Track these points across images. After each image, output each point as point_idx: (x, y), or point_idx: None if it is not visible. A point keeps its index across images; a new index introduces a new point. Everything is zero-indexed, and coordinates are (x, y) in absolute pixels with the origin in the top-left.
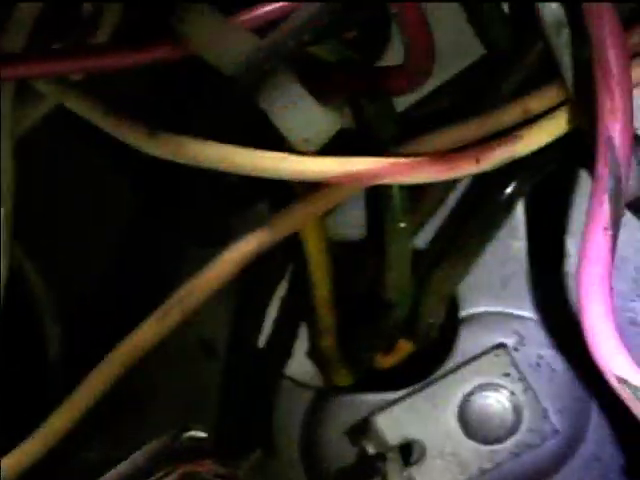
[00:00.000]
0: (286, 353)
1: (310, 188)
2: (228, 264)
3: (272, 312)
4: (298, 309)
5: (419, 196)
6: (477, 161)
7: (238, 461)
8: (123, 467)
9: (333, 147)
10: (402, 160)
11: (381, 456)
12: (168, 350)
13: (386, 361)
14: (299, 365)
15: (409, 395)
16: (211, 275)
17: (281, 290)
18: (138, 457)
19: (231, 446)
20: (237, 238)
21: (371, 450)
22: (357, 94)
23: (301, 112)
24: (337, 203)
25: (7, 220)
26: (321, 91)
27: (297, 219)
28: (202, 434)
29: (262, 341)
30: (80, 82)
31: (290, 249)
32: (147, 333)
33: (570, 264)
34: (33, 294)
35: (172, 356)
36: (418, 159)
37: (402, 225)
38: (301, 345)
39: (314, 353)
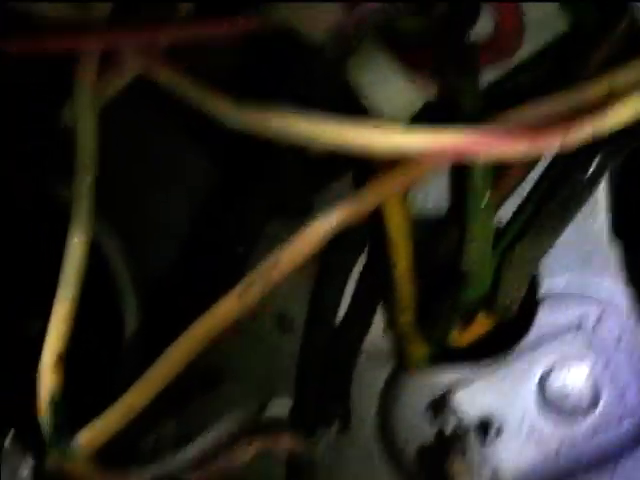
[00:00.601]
0: (364, 329)
1: (392, 164)
2: (311, 239)
3: (350, 287)
4: (376, 284)
5: (502, 172)
6: (563, 137)
7: (314, 437)
8: (205, 441)
9: (419, 121)
10: (489, 134)
11: (459, 434)
12: (245, 325)
13: (464, 338)
14: (376, 341)
15: (487, 371)
16: (294, 250)
17: (360, 265)
18: (220, 433)
19: (307, 422)
20: (320, 213)
21: (449, 427)
22: (444, 68)
23: (390, 85)
24: (419, 179)
25: (89, 191)
26: (408, 65)
27: (380, 194)
28: (282, 408)
29: (340, 316)
30: (166, 52)
31: (369, 223)
32: (227, 308)
33: None
34: (111, 267)
35: (249, 331)
36: (505, 133)
37: (484, 202)
38: (379, 321)
39: (392, 329)
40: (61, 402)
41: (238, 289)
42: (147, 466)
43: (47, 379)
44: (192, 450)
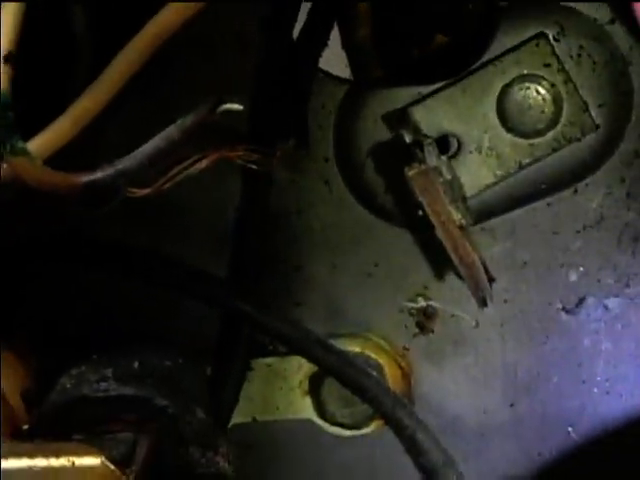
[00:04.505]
0: (320, 45)
1: None
2: None
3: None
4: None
5: None
6: None
7: (271, 149)
8: (158, 140)
9: None
10: None
11: (418, 143)
12: (201, 40)
13: (422, 52)
14: (334, 58)
15: (446, 87)
16: None
17: None
18: (173, 130)
19: (264, 135)
20: None
21: (407, 139)
22: None
23: None
24: None
25: None
26: None
27: None
28: (238, 106)
29: (296, 32)
30: None
31: None
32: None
33: None
34: None
35: (206, 46)
36: None
37: None
38: (336, 37)
39: (349, 45)
40: (10, 102)
41: None
42: (100, 167)
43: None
44: (147, 148)
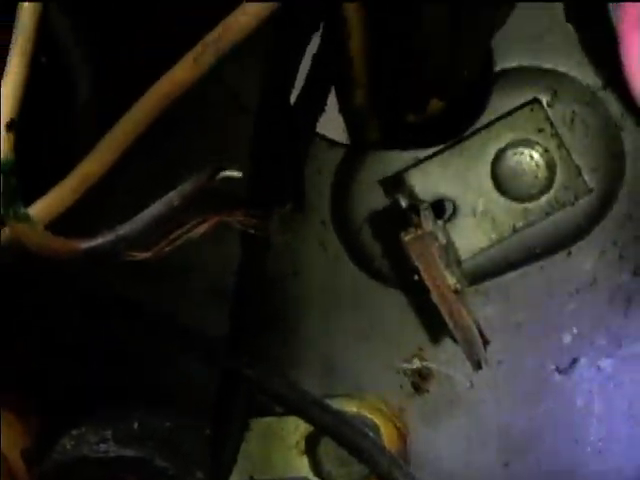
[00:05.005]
0: (318, 110)
1: None
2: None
3: (304, 68)
4: (331, 65)
5: None
6: None
7: (269, 213)
8: (158, 207)
9: None
10: None
11: (414, 208)
12: (201, 103)
13: (417, 117)
14: (330, 122)
15: (441, 151)
16: (243, 18)
17: (313, 45)
18: (173, 196)
19: (261, 199)
20: None
21: (403, 203)
22: None
23: None
24: None
25: None
26: None
27: None
28: (237, 173)
29: (294, 97)
30: None
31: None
32: (183, 73)
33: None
34: (61, 34)
35: (205, 109)
36: None
37: None
38: (333, 102)
39: (346, 110)
40: (13, 166)
41: (192, 53)
42: (101, 233)
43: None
44: (147, 214)
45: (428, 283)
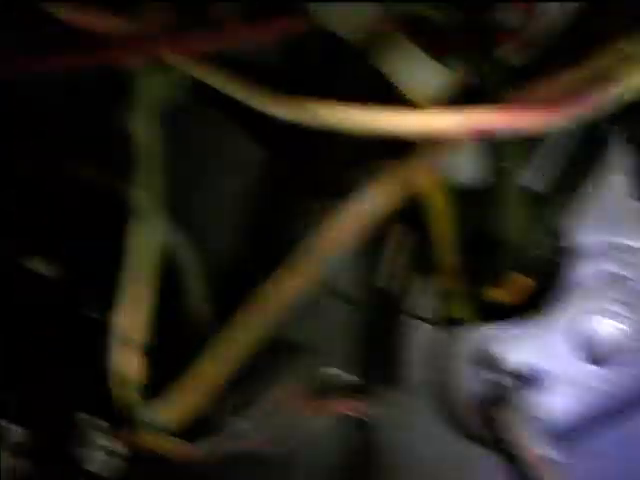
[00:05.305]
0: (405, 290)
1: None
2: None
3: (390, 250)
4: (415, 247)
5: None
6: (581, 107)
7: (371, 399)
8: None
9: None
10: (519, 110)
11: (505, 385)
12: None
13: (501, 294)
14: (418, 301)
15: (527, 325)
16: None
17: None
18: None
19: (362, 386)
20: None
21: (494, 379)
22: (468, 54)
23: (417, 70)
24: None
25: (157, 193)
26: (435, 51)
27: (411, 171)
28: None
29: (381, 279)
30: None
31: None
32: (292, 283)
33: None
34: (182, 264)
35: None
36: (533, 108)
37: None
38: (419, 281)
39: (434, 291)
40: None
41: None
42: (217, 436)
43: (134, 363)
44: (253, 416)
45: (520, 454)
